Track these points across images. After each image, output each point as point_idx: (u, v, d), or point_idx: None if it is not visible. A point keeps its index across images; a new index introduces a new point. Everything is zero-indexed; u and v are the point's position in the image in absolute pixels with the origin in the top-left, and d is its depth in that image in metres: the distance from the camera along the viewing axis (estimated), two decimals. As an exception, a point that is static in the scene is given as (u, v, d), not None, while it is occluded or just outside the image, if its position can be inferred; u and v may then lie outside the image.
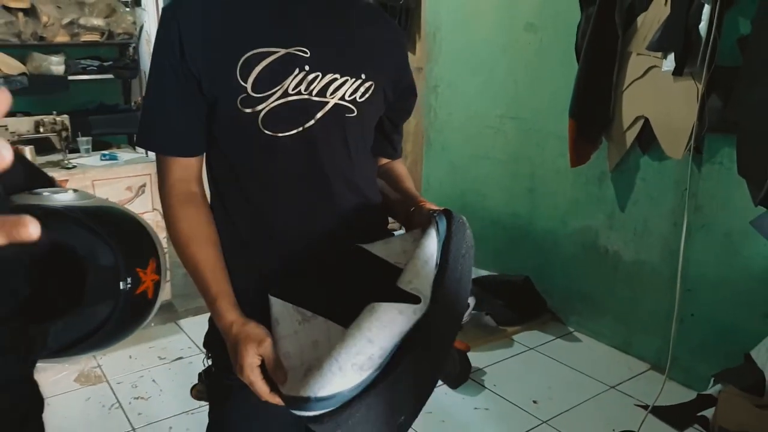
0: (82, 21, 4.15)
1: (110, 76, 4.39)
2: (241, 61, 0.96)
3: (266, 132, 0.99)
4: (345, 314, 0.91)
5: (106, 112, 4.36)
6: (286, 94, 0.99)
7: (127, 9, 4.42)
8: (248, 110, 0.98)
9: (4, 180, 0.81)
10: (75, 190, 0.93)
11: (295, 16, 1.01)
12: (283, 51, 0.98)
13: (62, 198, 0.90)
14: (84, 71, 4.28)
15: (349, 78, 1.03)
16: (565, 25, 2.63)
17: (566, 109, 2.55)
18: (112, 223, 0.94)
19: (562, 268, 2.96)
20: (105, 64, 4.38)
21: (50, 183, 0.96)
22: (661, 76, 2.30)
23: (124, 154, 3.04)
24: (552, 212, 2.96)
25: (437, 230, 0.95)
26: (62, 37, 4.12)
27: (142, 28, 4.47)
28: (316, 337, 0.94)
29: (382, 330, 0.86)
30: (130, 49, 4.50)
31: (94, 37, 4.24)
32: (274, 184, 1.04)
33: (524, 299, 3.00)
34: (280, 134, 1.00)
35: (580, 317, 2.91)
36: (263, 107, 0.98)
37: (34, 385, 0.84)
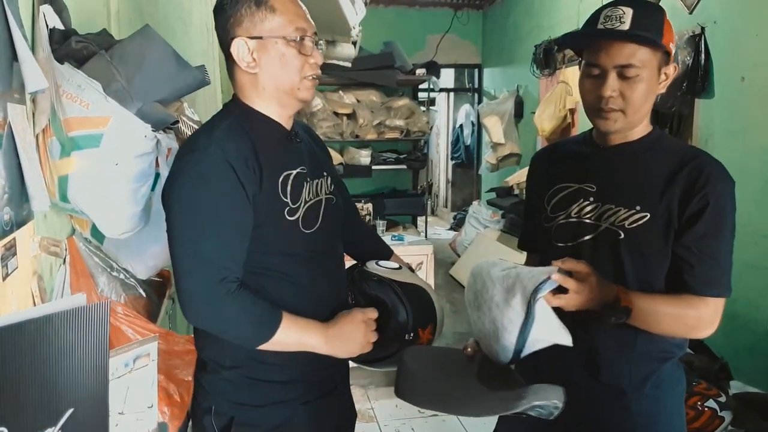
0: (387, 122, 5.06)
1: (403, 166, 5.22)
2: (549, 193, 1.43)
3: (553, 242, 1.41)
4: None
5: (397, 196, 5.19)
6: (568, 216, 1.38)
7: (423, 110, 5.27)
8: (547, 225, 1.42)
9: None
10: (399, 267, 1.48)
11: (592, 161, 1.40)
12: (576, 186, 1.39)
13: (389, 272, 1.44)
14: (384, 162, 5.17)
15: (622, 208, 1.31)
16: None
17: None
18: (413, 295, 1.43)
19: None
20: (400, 156, 5.24)
21: (389, 252, 1.63)
22: None
23: (408, 236, 3.67)
24: (838, 335, 2.69)
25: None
26: (371, 135, 5.07)
27: (432, 126, 5.26)
28: None
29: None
30: (422, 144, 5.31)
31: (394, 135, 5.13)
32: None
33: (797, 427, 2.71)
34: (560, 244, 1.39)
35: None
36: (552, 224, 1.41)
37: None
